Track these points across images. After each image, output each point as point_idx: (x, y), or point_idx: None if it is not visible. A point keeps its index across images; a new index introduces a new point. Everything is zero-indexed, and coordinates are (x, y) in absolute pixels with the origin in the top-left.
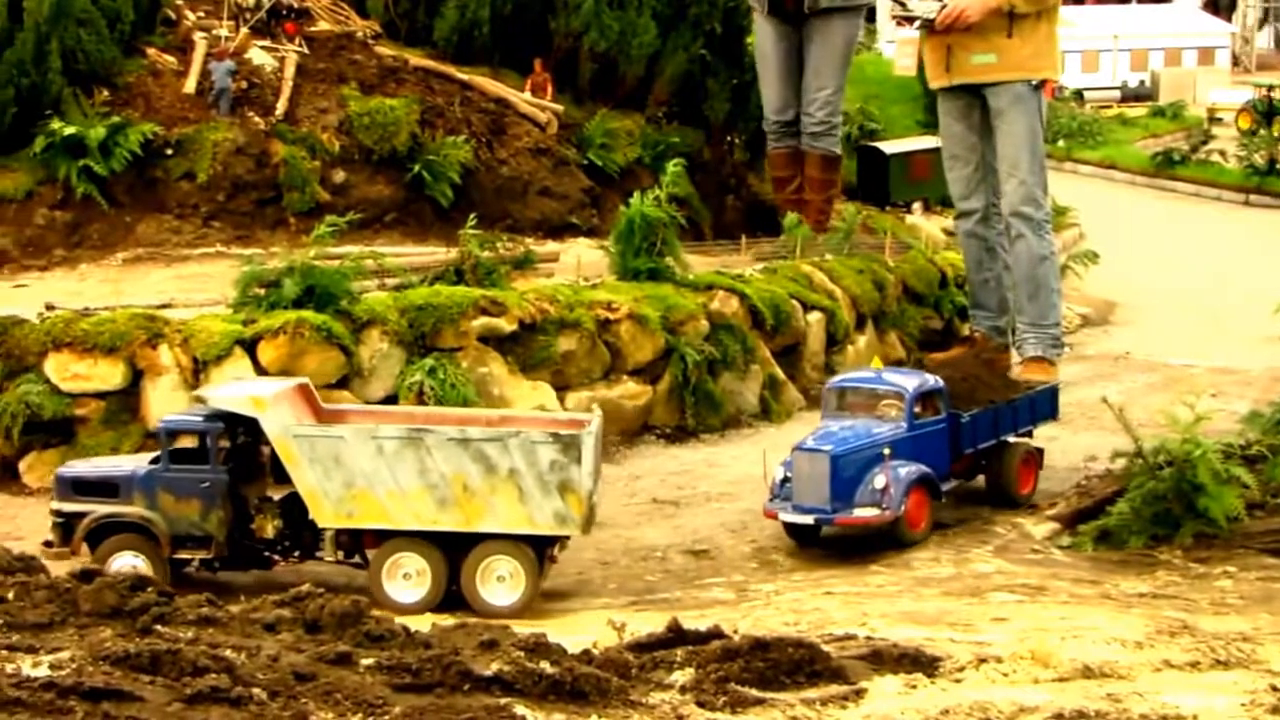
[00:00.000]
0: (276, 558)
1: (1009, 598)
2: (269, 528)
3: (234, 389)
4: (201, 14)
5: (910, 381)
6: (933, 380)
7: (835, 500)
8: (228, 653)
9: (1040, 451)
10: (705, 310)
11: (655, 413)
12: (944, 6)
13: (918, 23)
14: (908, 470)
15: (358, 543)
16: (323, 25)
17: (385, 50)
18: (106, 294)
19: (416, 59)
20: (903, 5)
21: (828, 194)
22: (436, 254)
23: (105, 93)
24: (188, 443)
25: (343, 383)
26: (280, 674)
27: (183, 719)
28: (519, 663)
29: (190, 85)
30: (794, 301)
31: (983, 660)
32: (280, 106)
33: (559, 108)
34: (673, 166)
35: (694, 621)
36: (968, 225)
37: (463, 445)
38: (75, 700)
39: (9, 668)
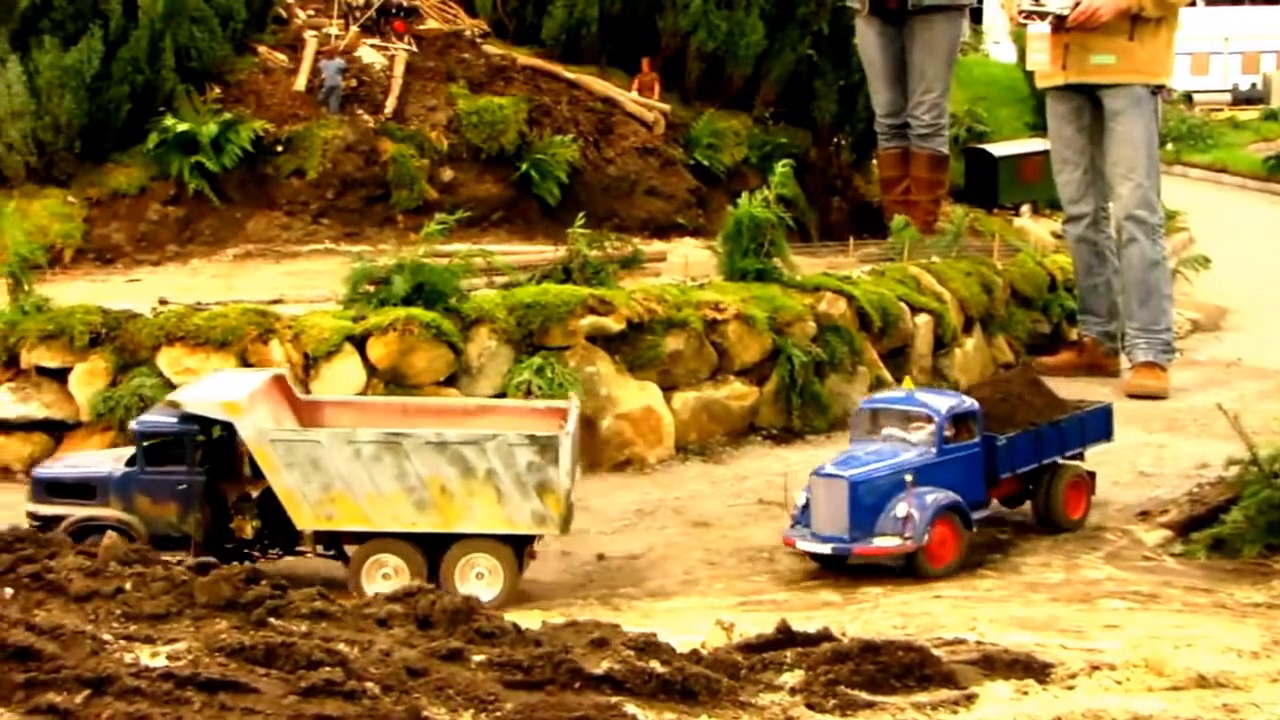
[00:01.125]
0: (256, 554)
1: (1120, 605)
2: (248, 527)
3: (207, 390)
4: (312, 12)
5: (942, 403)
6: (967, 402)
7: (855, 529)
8: (341, 647)
9: (1092, 475)
10: (813, 311)
11: (762, 413)
12: (1077, 3)
13: (1049, 18)
14: (934, 498)
15: (337, 539)
16: (431, 24)
17: (493, 49)
18: (218, 289)
19: (524, 58)
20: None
21: (935, 194)
22: (544, 252)
23: (217, 90)
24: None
25: (451, 380)
26: (393, 669)
27: (297, 711)
28: (629, 662)
29: (301, 83)
30: (902, 304)
31: (1095, 667)
32: (389, 104)
33: (666, 107)
34: (781, 167)
35: (802, 623)
36: (1077, 230)
37: (440, 448)
38: (192, 690)
39: (128, 657)
